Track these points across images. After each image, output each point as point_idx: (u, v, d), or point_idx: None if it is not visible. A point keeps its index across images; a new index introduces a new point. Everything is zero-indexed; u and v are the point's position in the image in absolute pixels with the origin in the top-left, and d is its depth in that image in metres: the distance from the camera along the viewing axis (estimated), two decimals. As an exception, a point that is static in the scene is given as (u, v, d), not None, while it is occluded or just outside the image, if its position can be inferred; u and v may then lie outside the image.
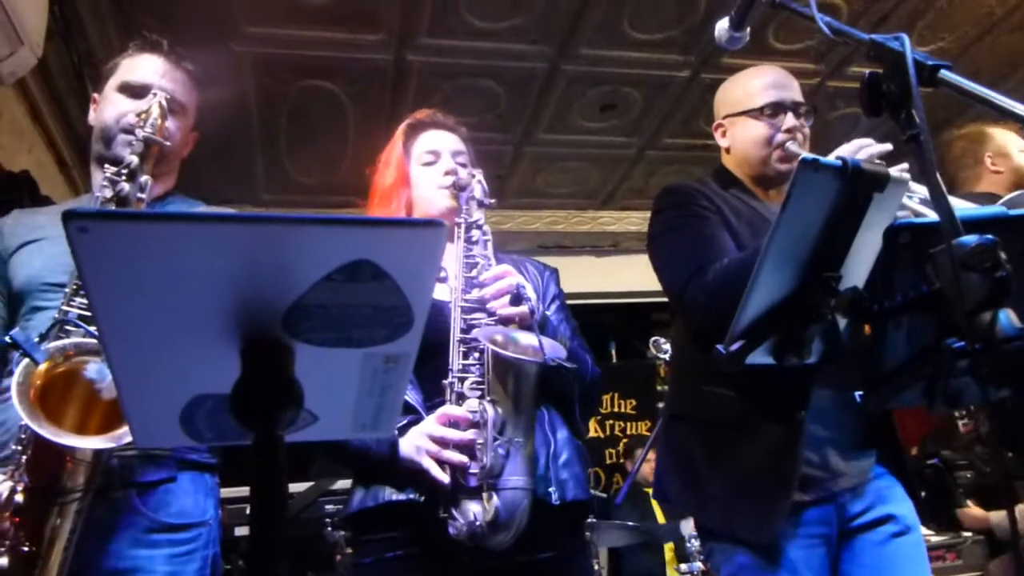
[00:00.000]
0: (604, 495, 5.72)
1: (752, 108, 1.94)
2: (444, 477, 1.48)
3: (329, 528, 3.23)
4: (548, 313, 1.82)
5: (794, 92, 1.96)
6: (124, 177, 1.54)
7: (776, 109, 1.92)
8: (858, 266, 1.25)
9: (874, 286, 1.21)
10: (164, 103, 1.65)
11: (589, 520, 4.09)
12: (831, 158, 1.16)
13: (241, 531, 3.12)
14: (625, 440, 6.89)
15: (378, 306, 0.78)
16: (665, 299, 1.92)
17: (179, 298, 0.72)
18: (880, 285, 1.19)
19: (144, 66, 1.75)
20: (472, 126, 4.71)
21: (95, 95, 1.80)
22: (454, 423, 1.53)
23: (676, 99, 4.68)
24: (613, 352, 7.43)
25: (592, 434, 6.87)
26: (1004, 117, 1.11)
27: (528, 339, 1.55)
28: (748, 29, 1.65)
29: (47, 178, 3.62)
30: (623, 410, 7.20)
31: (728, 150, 2.03)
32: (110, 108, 1.71)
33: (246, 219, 0.66)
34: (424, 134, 1.94)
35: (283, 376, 0.79)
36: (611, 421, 7.08)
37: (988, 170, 2.56)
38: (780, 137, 1.91)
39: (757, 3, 1.54)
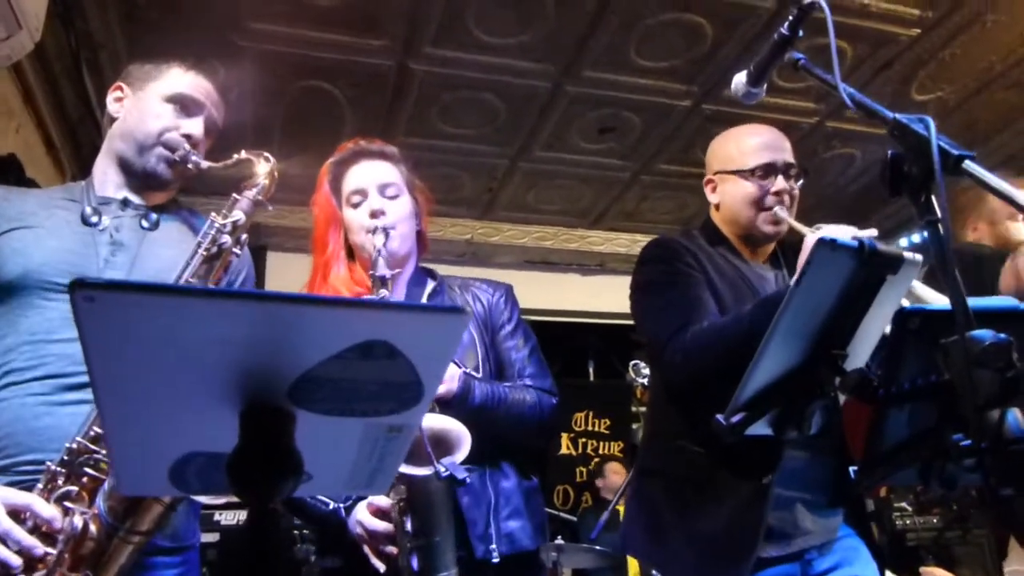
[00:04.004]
0: (572, 517, 5.71)
1: (744, 168, 1.94)
2: (380, 566, 1.53)
3: (300, 544, 3.19)
4: (502, 337, 1.82)
5: (786, 154, 1.96)
6: (228, 230, 1.50)
7: (767, 171, 1.92)
8: (864, 345, 1.24)
9: (880, 365, 1.20)
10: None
11: (556, 542, 4.08)
12: (847, 238, 1.14)
13: (207, 537, 3.08)
14: (597, 460, 6.87)
15: (389, 382, 0.75)
16: None
17: (181, 365, 0.68)
18: (886, 367, 1.18)
19: (198, 85, 1.71)
20: (468, 138, 4.76)
21: (121, 84, 1.72)
22: (383, 512, 1.55)
23: (676, 127, 4.70)
24: (591, 371, 7.43)
25: (564, 451, 6.87)
26: (1017, 207, 1.09)
27: (442, 427, 1.52)
28: (765, 86, 1.64)
29: (33, 160, 3.53)
30: (597, 429, 7.20)
31: (717, 207, 2.03)
32: (155, 118, 1.65)
33: (260, 297, 0.63)
34: (350, 171, 1.86)
35: (283, 447, 0.75)
36: (584, 439, 7.08)
37: (972, 238, 2.59)
38: (769, 200, 1.91)
39: (778, 61, 1.53)
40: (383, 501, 1.54)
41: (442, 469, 1.34)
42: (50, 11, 2.73)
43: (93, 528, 1.28)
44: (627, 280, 2.01)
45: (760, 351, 1.16)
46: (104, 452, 1.33)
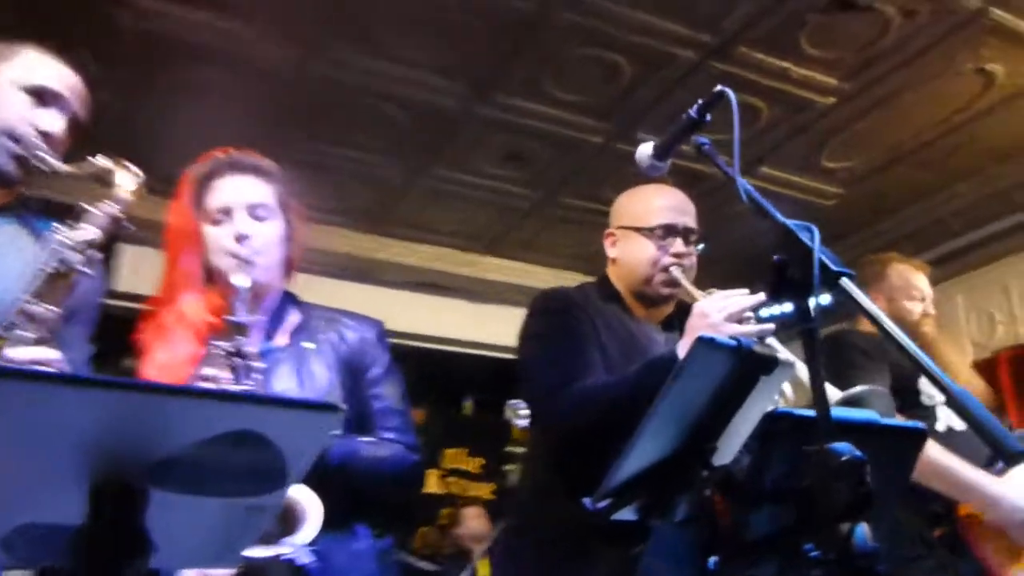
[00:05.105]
0: (433, 567, 5.72)
1: (645, 227, 2.07)
2: None
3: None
4: (367, 382, 1.82)
5: (688, 218, 2.11)
6: (78, 248, 1.46)
7: (668, 232, 2.06)
8: (733, 440, 1.37)
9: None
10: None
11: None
12: (724, 338, 1.27)
13: None
14: (464, 502, 6.89)
15: (255, 468, 0.80)
16: None
17: (27, 444, 0.71)
18: (753, 465, 1.31)
19: (54, 73, 1.65)
20: (366, 147, 4.75)
21: None
22: None
23: (585, 162, 4.87)
24: (469, 405, 7.48)
25: (430, 489, 6.84)
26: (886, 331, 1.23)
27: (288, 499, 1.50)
28: (669, 162, 1.77)
29: None
30: (468, 468, 7.24)
31: (614, 260, 2.16)
32: (5, 107, 1.59)
33: (116, 385, 0.66)
34: (218, 184, 1.79)
35: (131, 527, 0.79)
36: (454, 478, 7.11)
37: None
38: (666, 260, 2.04)
39: (684, 142, 1.66)
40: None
41: (286, 550, 1.35)
42: None
43: None
44: (517, 312, 2.09)
45: (634, 438, 1.27)
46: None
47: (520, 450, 7.48)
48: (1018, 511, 2.27)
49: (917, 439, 1.43)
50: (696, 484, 1.31)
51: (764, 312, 1.78)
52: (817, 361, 1.22)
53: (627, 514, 1.33)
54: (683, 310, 2.16)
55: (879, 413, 1.84)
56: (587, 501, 1.28)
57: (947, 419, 2.56)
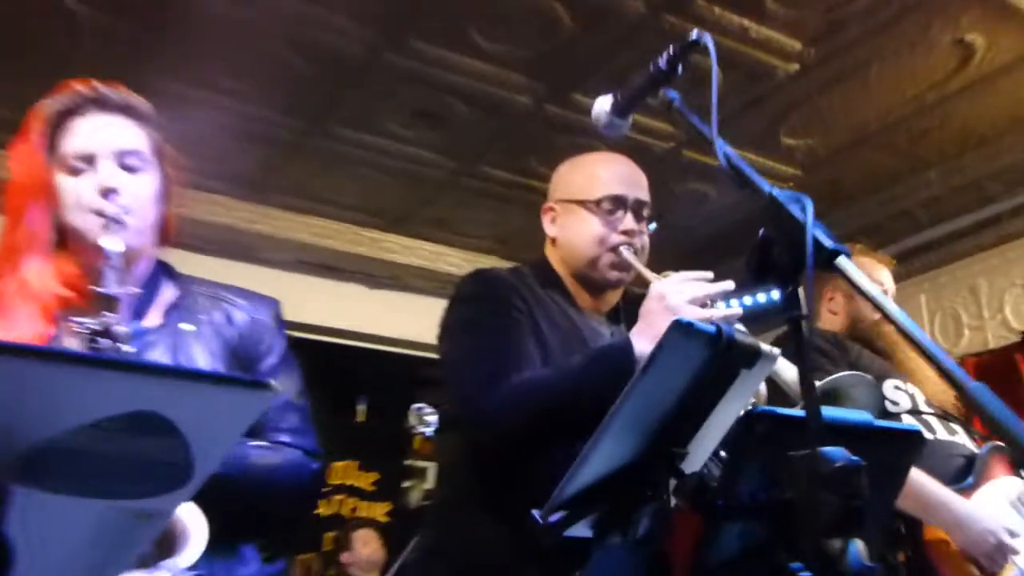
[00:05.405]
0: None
1: (589, 199, 2.06)
2: None
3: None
4: (259, 374, 1.76)
5: (641, 191, 2.11)
6: None
7: (616, 205, 2.05)
8: (705, 444, 1.36)
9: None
10: None
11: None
12: (703, 323, 1.26)
13: None
14: (354, 523, 6.76)
15: (151, 461, 0.74)
16: (436, 356, 1.98)
17: None
18: (726, 474, 1.30)
19: None
20: (249, 98, 4.61)
21: None
22: None
23: (511, 126, 4.86)
24: (362, 409, 7.39)
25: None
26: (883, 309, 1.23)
27: None
28: (631, 120, 1.76)
29: None
30: (360, 484, 7.15)
31: (554, 240, 2.15)
32: None
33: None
34: (77, 124, 1.69)
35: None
36: (341, 496, 7.02)
37: (825, 309, 2.90)
38: (615, 239, 2.03)
39: (650, 95, 1.65)
40: None
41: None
42: None
43: None
44: (424, 301, 2.07)
45: (592, 442, 1.25)
46: None
47: (422, 464, 7.48)
48: (990, 534, 2.35)
49: (914, 444, 1.45)
50: (662, 495, 1.30)
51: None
52: (807, 354, 1.22)
53: (581, 530, 1.31)
54: (631, 301, 2.16)
55: (863, 406, 1.88)
56: (536, 514, 1.26)
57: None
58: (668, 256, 2.22)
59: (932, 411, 2.69)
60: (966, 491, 2.49)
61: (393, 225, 6.09)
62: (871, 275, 2.92)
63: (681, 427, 1.32)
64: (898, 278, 3.07)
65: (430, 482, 7.45)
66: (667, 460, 1.31)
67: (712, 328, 1.25)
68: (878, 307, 1.22)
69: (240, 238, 5.70)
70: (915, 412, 2.66)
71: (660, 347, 1.22)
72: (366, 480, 7.16)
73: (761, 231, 1.30)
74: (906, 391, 2.69)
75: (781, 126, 4.81)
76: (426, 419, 5.10)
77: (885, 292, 2.93)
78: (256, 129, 4.84)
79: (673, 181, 5.26)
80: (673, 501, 1.33)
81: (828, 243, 1.23)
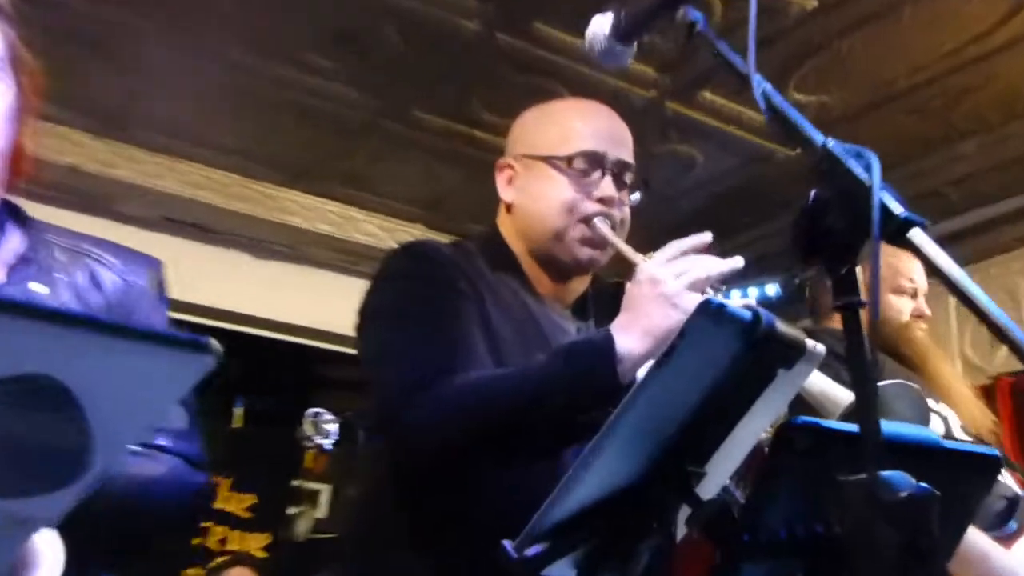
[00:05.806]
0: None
1: (557, 155, 2.05)
2: None
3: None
4: None
5: (623, 150, 2.11)
6: None
7: (591, 164, 2.04)
8: (727, 464, 1.34)
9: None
10: None
11: None
12: (739, 307, 1.23)
13: None
14: (223, 561, 6.69)
15: (33, 445, 0.70)
16: (341, 349, 1.96)
17: None
18: (754, 501, 1.27)
19: None
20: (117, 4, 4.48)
21: None
22: None
23: (453, 59, 4.80)
24: (239, 414, 7.34)
25: (176, 542, 6.68)
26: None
27: None
28: (636, 45, 1.73)
29: None
30: (232, 509, 7.12)
31: (510, 207, 2.14)
32: None
33: None
34: None
35: None
36: (208, 524, 7.03)
37: None
38: (588, 207, 2.02)
39: (666, 17, 1.62)
40: None
41: None
42: None
43: None
44: (327, 278, 2.04)
45: (585, 458, 1.22)
46: None
47: (314, 486, 7.44)
48: None
49: (991, 471, 1.45)
50: (669, 524, 1.28)
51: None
52: (865, 351, 1.20)
53: (562, 569, 1.27)
54: (603, 292, 2.14)
55: (908, 419, 1.88)
56: (508, 546, 1.22)
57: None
58: (640, 234, 2.18)
59: (968, 439, 2.72)
60: (1007, 539, 2.52)
61: (293, 179, 6.03)
62: (898, 268, 2.94)
63: (701, 441, 1.29)
64: (922, 277, 3.06)
65: (322, 510, 7.46)
66: (680, 482, 1.28)
67: (748, 314, 1.22)
68: (960, 294, 1.20)
69: (90, 184, 5.59)
70: (948, 439, 2.69)
71: (683, 334, 1.18)
72: (240, 504, 7.16)
73: (812, 192, 1.28)
74: (939, 413, 2.72)
75: (791, 77, 4.82)
76: (324, 428, 5.07)
77: (916, 292, 2.96)
78: (117, 48, 4.73)
79: (652, 140, 5.25)
80: (680, 532, 1.32)
81: (899, 210, 1.22)
